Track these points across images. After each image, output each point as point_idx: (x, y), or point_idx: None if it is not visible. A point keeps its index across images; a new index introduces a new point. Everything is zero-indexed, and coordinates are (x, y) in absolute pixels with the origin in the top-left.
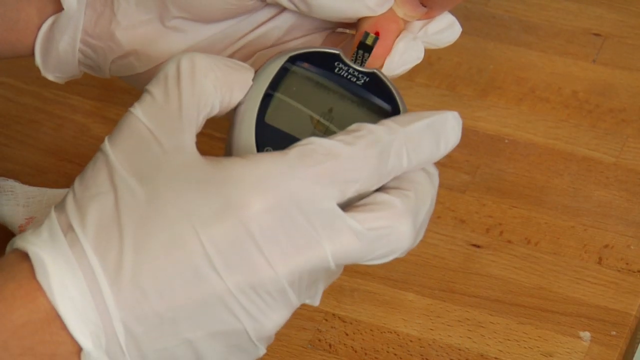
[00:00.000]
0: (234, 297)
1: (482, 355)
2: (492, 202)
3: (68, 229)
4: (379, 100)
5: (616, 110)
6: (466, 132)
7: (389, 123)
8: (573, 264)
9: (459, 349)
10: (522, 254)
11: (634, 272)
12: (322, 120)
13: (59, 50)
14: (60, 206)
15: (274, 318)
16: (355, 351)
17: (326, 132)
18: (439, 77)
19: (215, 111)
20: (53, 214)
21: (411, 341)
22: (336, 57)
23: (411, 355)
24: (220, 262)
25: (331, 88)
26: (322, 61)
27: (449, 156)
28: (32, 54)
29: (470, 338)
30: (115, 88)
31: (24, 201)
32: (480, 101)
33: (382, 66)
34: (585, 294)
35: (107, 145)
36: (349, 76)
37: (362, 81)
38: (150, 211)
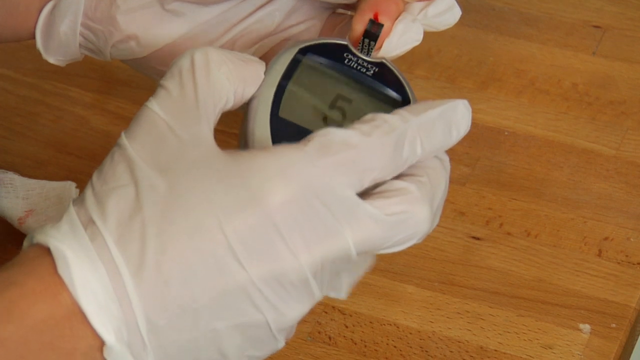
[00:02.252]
0: (256, 288)
1: (481, 348)
2: (492, 194)
3: (88, 222)
4: (389, 90)
5: (616, 102)
6: None
7: (402, 112)
8: (573, 256)
9: (459, 341)
10: (522, 246)
11: (634, 264)
12: (334, 111)
13: (60, 33)
14: (79, 200)
15: (296, 309)
16: (355, 343)
17: (339, 124)
18: (439, 69)
19: (230, 104)
20: (72, 209)
21: (411, 333)
22: (345, 48)
23: (411, 347)
24: (243, 252)
25: (342, 79)
26: (331, 52)
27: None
28: (33, 38)
29: (470, 330)
30: (114, 80)
31: (24, 194)
32: (480, 93)
33: (380, 47)
34: (585, 286)
35: (124, 139)
36: (359, 67)
37: (372, 71)
38: (171, 202)
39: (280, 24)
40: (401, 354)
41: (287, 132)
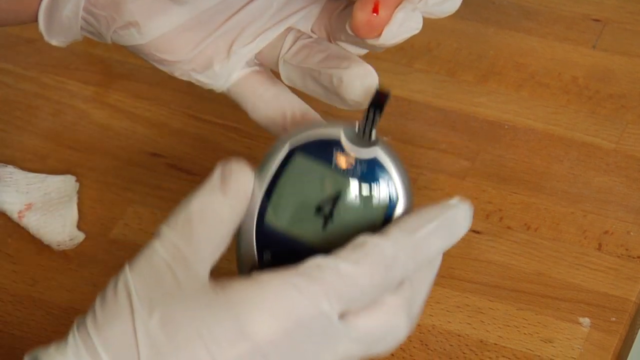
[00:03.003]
0: None
1: (481, 341)
2: (491, 188)
3: (91, 348)
4: (380, 192)
5: (616, 96)
6: (466, 119)
7: (395, 233)
8: (573, 249)
9: (459, 335)
10: (522, 239)
11: (634, 258)
12: (321, 216)
13: (62, 17)
14: (82, 324)
15: None
16: None
17: (326, 229)
18: (439, 62)
19: (230, 238)
20: (76, 333)
21: None
22: (336, 145)
23: (410, 341)
24: None
25: (330, 183)
26: (321, 151)
27: (449, 142)
28: (36, 21)
29: (469, 324)
30: (114, 74)
31: (23, 187)
32: (480, 87)
33: (380, 35)
34: (585, 279)
35: (127, 270)
36: (349, 167)
37: (361, 172)
38: (164, 334)
39: (279, 11)
40: (401, 348)
41: (272, 241)
